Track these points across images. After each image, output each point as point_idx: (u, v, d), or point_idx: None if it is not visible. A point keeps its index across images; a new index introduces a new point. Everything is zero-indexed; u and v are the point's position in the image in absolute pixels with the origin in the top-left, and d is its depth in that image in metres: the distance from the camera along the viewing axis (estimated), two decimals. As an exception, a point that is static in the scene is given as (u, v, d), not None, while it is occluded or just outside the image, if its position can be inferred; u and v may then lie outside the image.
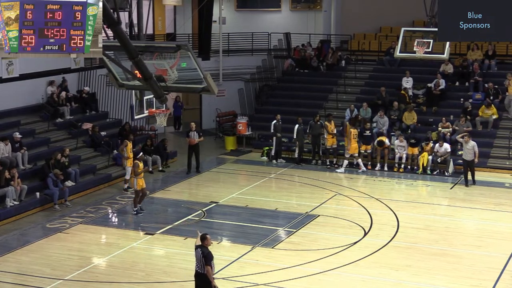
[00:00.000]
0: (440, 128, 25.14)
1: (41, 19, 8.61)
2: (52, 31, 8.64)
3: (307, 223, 18.69)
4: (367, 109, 26.75)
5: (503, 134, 25.48)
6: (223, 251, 16.69)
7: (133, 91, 23.23)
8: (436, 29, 15.10)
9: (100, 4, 8.69)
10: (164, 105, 16.98)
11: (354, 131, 24.36)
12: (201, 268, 12.45)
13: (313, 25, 34.46)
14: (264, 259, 16.11)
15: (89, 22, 8.67)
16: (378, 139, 24.54)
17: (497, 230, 18.46)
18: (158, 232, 18.02)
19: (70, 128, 24.10)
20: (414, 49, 21.13)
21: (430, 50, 20.98)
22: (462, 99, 27.16)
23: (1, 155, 20.13)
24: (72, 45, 8.70)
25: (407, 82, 28.10)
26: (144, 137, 25.44)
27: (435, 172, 23.75)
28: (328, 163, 24.81)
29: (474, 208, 20.24)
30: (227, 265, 15.66)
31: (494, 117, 25.72)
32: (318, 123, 24.99)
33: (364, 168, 24.17)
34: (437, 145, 23.93)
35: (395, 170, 24.13)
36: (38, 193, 20.01)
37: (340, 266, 15.65)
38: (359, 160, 24.33)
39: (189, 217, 19.24)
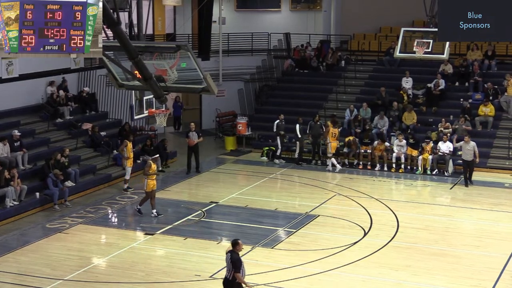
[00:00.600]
0: (440, 129, 25.14)
1: (41, 19, 8.61)
2: (52, 31, 8.64)
3: (307, 223, 18.69)
4: (367, 109, 26.76)
5: (502, 134, 25.49)
6: (223, 251, 16.60)
7: (133, 91, 23.29)
8: (436, 29, 15.11)
9: (100, 4, 8.69)
10: (164, 105, 17.02)
11: (333, 131, 24.39)
12: (229, 274, 12.25)
13: (313, 25, 34.47)
14: (264, 259, 16.11)
15: (89, 22, 8.67)
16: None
17: (496, 230, 18.46)
18: (158, 232, 18.02)
19: (70, 128, 24.10)
20: (414, 49, 21.13)
21: (430, 50, 20.98)
22: (462, 99, 27.17)
23: (0, 155, 20.13)
24: (72, 45, 8.70)
25: (407, 82, 28.11)
26: (144, 137, 25.45)
27: (434, 172, 23.76)
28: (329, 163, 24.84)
29: (473, 208, 20.24)
30: (227, 265, 15.65)
31: (492, 115, 25.74)
32: (318, 123, 25.00)
33: (339, 167, 24.25)
34: (440, 142, 23.96)
35: (393, 170, 24.13)
36: (38, 193, 20.00)
37: (340, 266, 15.65)
38: (333, 159, 24.41)
39: (189, 217, 19.24)
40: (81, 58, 23.42)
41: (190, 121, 25.62)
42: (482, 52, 29.04)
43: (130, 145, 22.03)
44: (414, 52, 21.20)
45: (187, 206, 20.22)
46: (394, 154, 24.33)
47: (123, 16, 24.56)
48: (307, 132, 25.20)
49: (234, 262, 12.15)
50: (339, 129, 25.01)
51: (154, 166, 19.37)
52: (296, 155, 25.34)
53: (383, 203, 20.53)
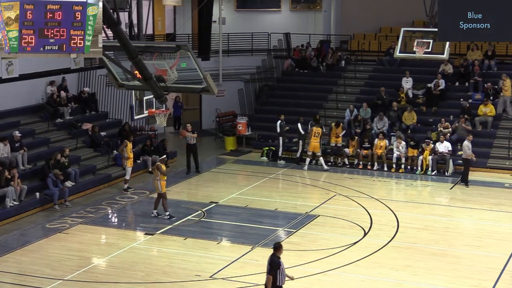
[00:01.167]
0: (440, 129, 25.13)
1: (41, 19, 8.61)
2: (52, 31, 8.64)
3: (307, 223, 18.69)
4: (367, 109, 26.77)
5: (502, 134, 25.49)
6: (223, 251, 16.70)
7: (133, 91, 23.28)
8: (436, 29, 15.10)
9: (100, 4, 8.69)
10: (164, 105, 17.00)
11: (316, 130, 24.36)
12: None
13: (313, 25, 34.47)
14: (264, 259, 15.99)
15: (89, 22, 8.67)
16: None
17: (496, 230, 18.46)
18: (158, 232, 18.02)
19: (70, 128, 24.10)
20: (414, 49, 21.13)
21: (430, 50, 20.97)
22: (461, 99, 27.17)
23: (0, 155, 20.14)
24: (72, 45, 8.70)
25: (407, 82, 28.11)
26: (144, 138, 25.43)
27: (433, 172, 23.76)
28: (329, 163, 24.84)
29: (473, 208, 20.24)
30: (227, 265, 15.65)
31: (491, 115, 25.74)
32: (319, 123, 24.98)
33: (326, 167, 24.27)
34: (437, 143, 23.97)
35: (393, 170, 24.13)
36: (38, 193, 20.00)
37: (340, 266, 15.65)
38: (321, 159, 24.41)
39: (189, 217, 19.24)
40: (81, 58, 23.42)
41: (190, 122, 25.60)
42: (482, 52, 29.04)
43: (130, 145, 22.03)
44: (414, 52, 21.20)
45: (187, 206, 20.22)
46: (395, 155, 24.32)
47: (123, 16, 24.55)
48: (307, 132, 25.19)
49: (270, 264, 12.15)
50: (323, 129, 24.79)
51: (164, 167, 19.38)
52: (298, 154, 25.32)
53: (383, 203, 20.53)
